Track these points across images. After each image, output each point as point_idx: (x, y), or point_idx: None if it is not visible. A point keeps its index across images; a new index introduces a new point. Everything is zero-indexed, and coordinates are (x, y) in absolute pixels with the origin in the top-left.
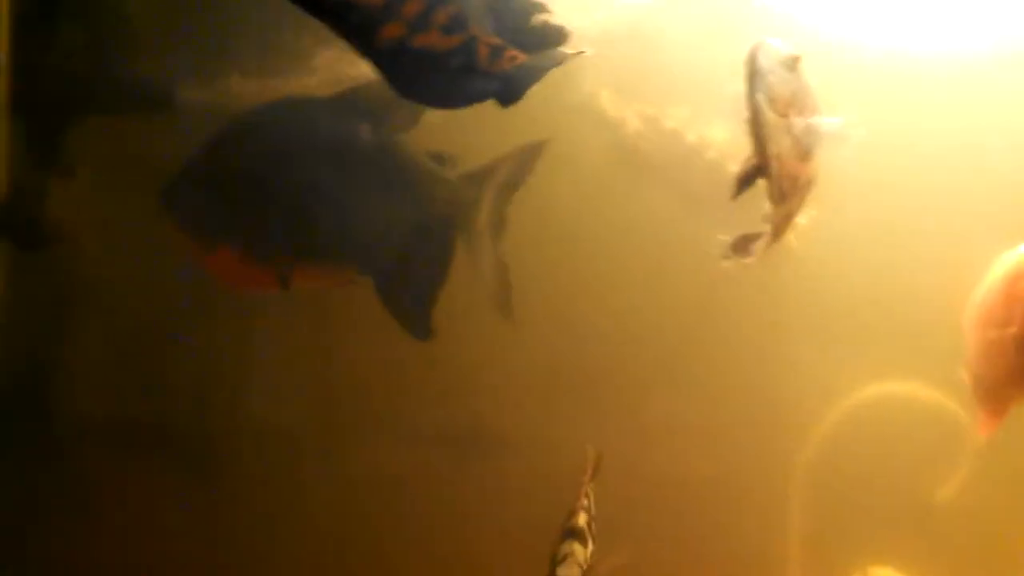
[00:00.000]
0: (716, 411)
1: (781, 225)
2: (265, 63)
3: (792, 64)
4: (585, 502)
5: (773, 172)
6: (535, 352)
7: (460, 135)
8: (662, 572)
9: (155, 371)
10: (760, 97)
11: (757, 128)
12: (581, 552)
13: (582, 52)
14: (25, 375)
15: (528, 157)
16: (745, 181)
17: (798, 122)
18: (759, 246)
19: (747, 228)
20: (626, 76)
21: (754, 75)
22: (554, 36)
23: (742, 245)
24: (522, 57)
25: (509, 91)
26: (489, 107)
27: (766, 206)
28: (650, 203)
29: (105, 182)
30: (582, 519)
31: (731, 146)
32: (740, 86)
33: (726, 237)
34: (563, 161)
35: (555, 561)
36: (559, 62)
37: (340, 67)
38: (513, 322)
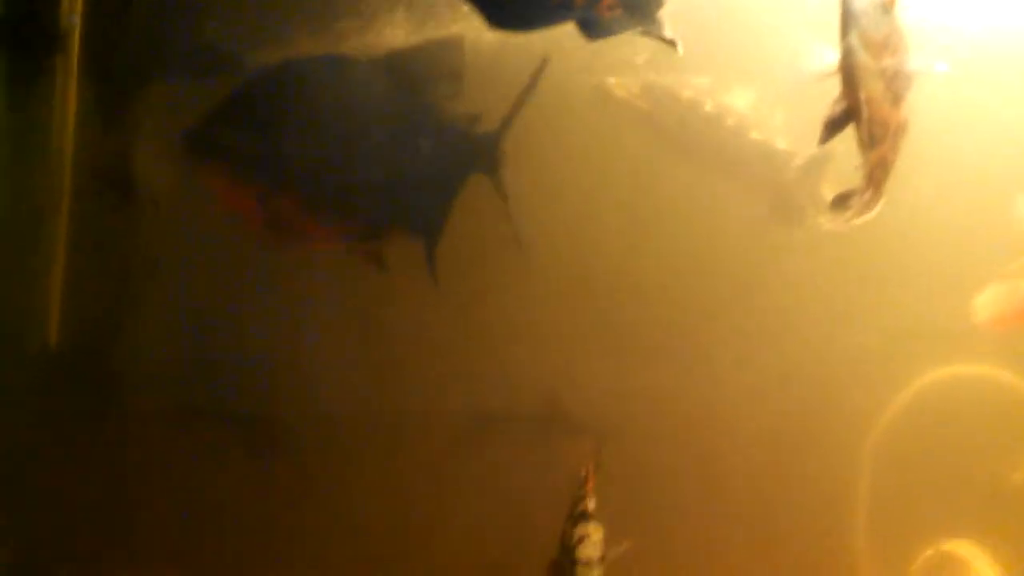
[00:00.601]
0: (785, 365)
1: (876, 174)
2: (331, 26)
3: (887, 6)
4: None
5: (863, 116)
6: (607, 317)
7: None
8: (729, 518)
9: (217, 349)
10: (853, 39)
11: (848, 71)
12: (597, 533)
13: (674, 42)
14: (89, 351)
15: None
16: (833, 126)
17: (890, 65)
18: (857, 200)
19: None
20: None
21: (848, 16)
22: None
23: (840, 201)
24: (618, 10)
25: (593, 29)
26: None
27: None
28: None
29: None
30: (592, 504)
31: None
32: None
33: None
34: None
35: (570, 544)
36: (648, 31)
37: (399, 33)
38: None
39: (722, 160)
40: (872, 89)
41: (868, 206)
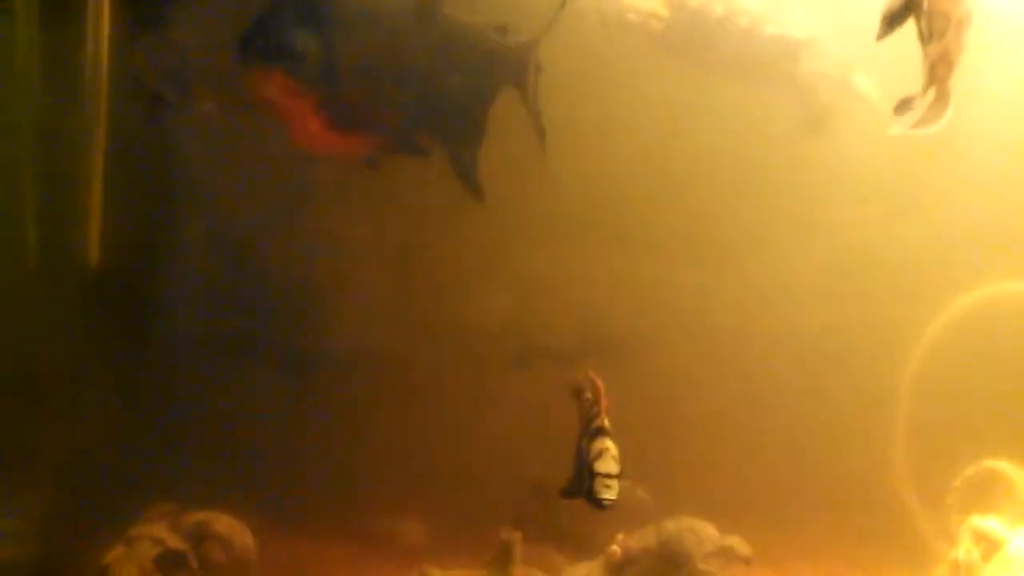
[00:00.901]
0: (831, 274)
1: (938, 69)
2: None
3: None
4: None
5: (923, 8)
6: (638, 227)
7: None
8: (765, 431)
9: (255, 276)
10: None
11: None
12: (614, 447)
13: None
14: (128, 273)
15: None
16: (892, 19)
17: None
18: (919, 100)
19: None
20: None
21: None
22: None
23: (903, 105)
24: None
25: None
26: None
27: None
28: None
29: (205, 79)
30: (607, 420)
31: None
32: None
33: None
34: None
35: (588, 457)
36: None
37: None
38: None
39: (743, 63)
40: None
41: (934, 110)
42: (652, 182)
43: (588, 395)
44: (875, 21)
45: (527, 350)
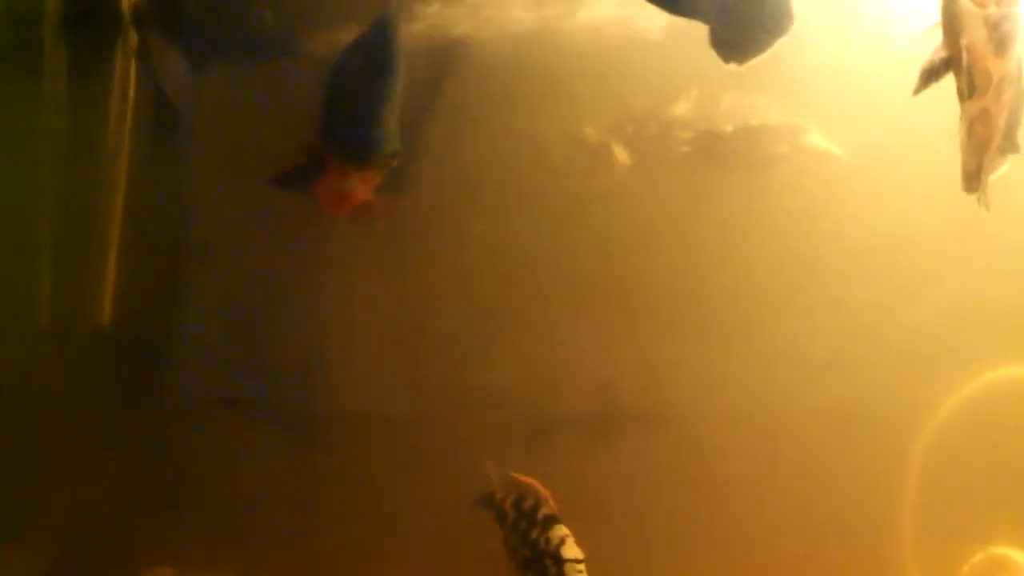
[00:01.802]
0: (841, 351)
1: (976, 128)
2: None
3: None
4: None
5: (964, 64)
6: (650, 299)
7: None
8: (775, 507)
9: (262, 348)
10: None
11: (949, 16)
12: (570, 533)
13: None
14: (140, 334)
15: None
16: (930, 75)
17: (995, 12)
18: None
19: None
20: None
21: None
22: None
23: (970, 179)
24: None
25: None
26: None
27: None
28: None
29: (223, 141)
30: (554, 505)
31: None
32: None
33: None
34: None
35: (551, 546)
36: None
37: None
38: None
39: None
40: (974, 36)
41: (972, 172)
42: (666, 258)
43: (525, 500)
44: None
45: (537, 421)
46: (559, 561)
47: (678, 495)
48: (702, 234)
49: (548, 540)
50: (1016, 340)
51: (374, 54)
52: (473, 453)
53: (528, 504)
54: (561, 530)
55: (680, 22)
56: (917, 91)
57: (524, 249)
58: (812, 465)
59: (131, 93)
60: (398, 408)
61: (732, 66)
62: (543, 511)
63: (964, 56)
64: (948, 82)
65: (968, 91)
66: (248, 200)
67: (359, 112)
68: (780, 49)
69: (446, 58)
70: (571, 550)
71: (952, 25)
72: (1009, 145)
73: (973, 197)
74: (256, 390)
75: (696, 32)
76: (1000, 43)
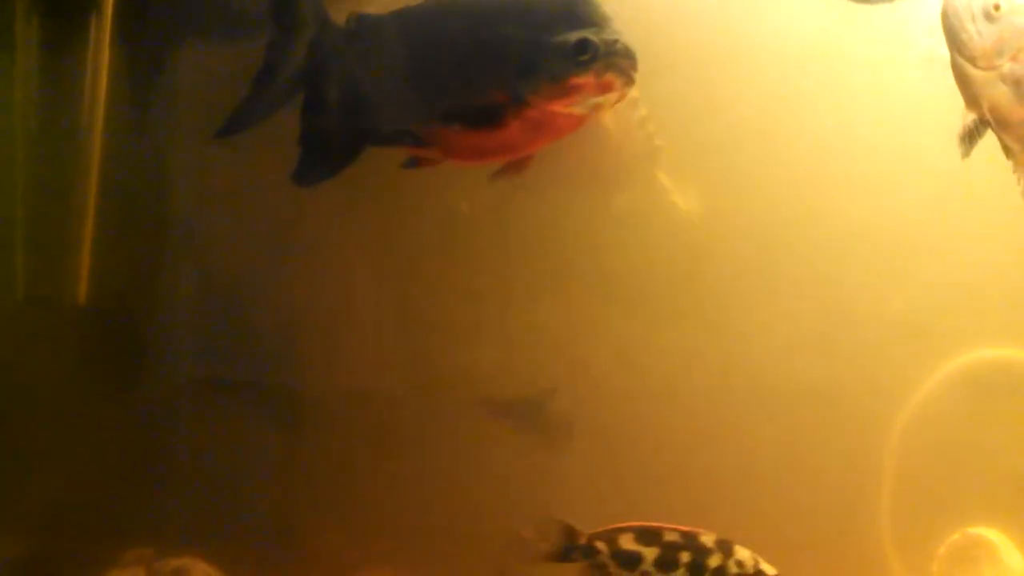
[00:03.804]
0: (820, 333)
1: None
2: None
3: (991, 12)
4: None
5: (995, 125)
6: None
7: None
8: (750, 490)
9: (245, 325)
10: (956, 56)
11: (962, 83)
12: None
13: None
14: (119, 312)
15: None
16: (968, 138)
17: (1013, 68)
18: None
19: None
20: None
21: (946, 35)
22: None
23: None
24: None
25: None
26: None
27: None
28: None
29: (198, 117)
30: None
31: None
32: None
33: None
34: None
35: (747, 571)
36: None
37: None
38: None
39: None
40: (995, 97)
41: None
42: (647, 240)
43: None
44: None
45: (512, 401)
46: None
47: (650, 476)
48: (681, 216)
49: (741, 563)
50: (994, 322)
51: None
52: (453, 430)
53: (669, 538)
54: (744, 549)
55: None
56: (964, 156)
57: (508, 229)
58: (790, 447)
59: (105, 68)
60: (383, 386)
61: None
62: (702, 538)
63: (991, 117)
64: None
65: (1016, 147)
66: (230, 177)
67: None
68: None
69: None
70: (769, 566)
71: (968, 91)
72: None
73: (955, 181)
74: (239, 369)
75: None
76: None
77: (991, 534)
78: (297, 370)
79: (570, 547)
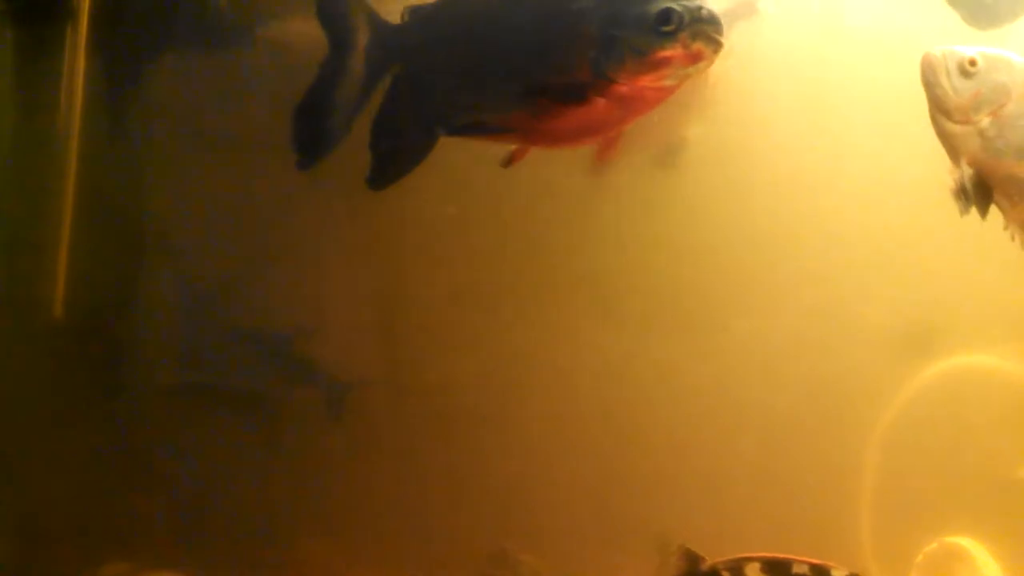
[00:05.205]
0: (798, 338)
1: None
2: None
3: (967, 68)
4: None
5: (983, 179)
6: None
7: None
8: (731, 499)
9: (226, 330)
10: (932, 110)
11: (942, 138)
12: None
13: None
14: (96, 323)
15: None
16: (963, 194)
17: (992, 124)
18: None
19: None
20: None
21: (924, 88)
22: None
23: None
24: None
25: None
26: None
27: None
28: None
29: (176, 125)
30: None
31: None
32: None
33: None
34: None
35: None
36: None
37: None
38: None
39: None
40: (973, 151)
41: None
42: (629, 252)
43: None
44: None
45: (496, 414)
46: None
47: (637, 489)
48: (663, 229)
49: None
50: (971, 331)
51: None
52: (434, 439)
53: (798, 571)
54: None
55: None
56: (962, 213)
57: (492, 237)
58: (770, 458)
59: (81, 74)
60: (364, 392)
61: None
62: (833, 572)
63: (975, 172)
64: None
65: (1004, 203)
66: (207, 182)
67: None
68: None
69: None
70: None
71: (948, 144)
72: None
73: (935, 193)
74: (219, 375)
75: None
76: (1017, 149)
77: (968, 543)
78: (278, 376)
79: (692, 573)
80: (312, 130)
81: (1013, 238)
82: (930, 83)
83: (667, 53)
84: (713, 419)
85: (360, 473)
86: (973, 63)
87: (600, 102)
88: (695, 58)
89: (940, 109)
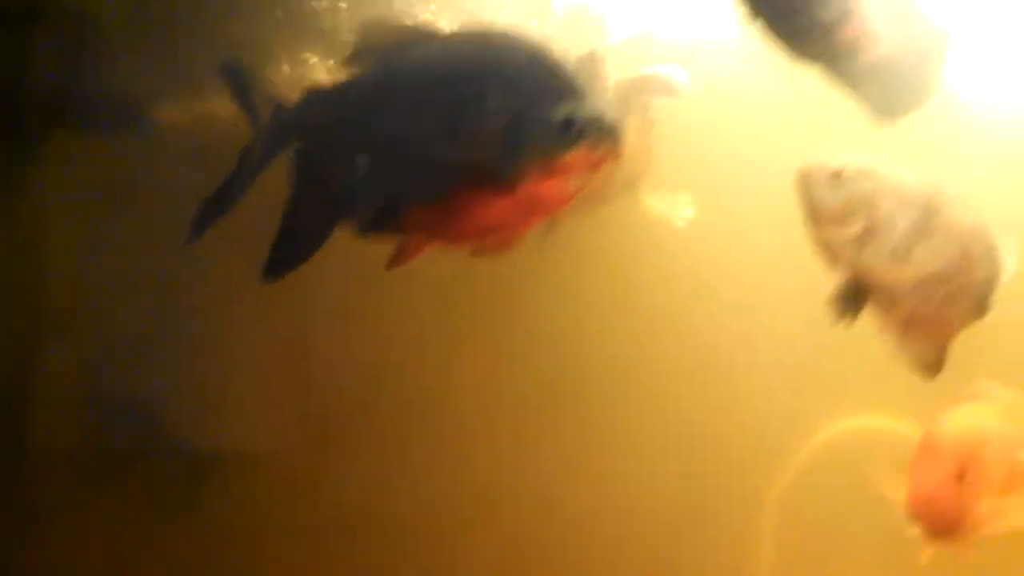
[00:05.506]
0: (685, 430)
1: (912, 331)
2: None
3: (837, 177)
4: None
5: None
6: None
7: None
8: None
9: (129, 393)
10: (808, 220)
11: (818, 249)
12: None
13: None
14: None
15: None
16: (845, 302)
17: (864, 229)
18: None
19: None
20: None
21: (800, 200)
22: None
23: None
24: None
25: None
26: None
27: None
28: None
29: (77, 201)
30: None
31: None
32: None
33: None
34: None
35: None
36: None
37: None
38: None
39: None
40: (849, 258)
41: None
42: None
43: None
44: None
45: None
46: None
47: None
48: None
49: None
50: (857, 391)
51: None
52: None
53: None
54: None
55: None
56: (838, 319)
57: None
58: (658, 549)
59: None
60: (283, 447)
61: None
62: None
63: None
64: None
65: (880, 307)
66: (114, 242)
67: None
68: None
69: None
70: None
71: (824, 252)
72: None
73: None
74: (129, 438)
75: None
76: (893, 255)
77: None
78: (199, 429)
79: None
80: (207, 204)
81: (885, 342)
82: (804, 194)
83: (569, 159)
84: (605, 515)
85: (286, 531)
86: (838, 175)
87: (505, 201)
88: (596, 164)
89: (814, 218)
